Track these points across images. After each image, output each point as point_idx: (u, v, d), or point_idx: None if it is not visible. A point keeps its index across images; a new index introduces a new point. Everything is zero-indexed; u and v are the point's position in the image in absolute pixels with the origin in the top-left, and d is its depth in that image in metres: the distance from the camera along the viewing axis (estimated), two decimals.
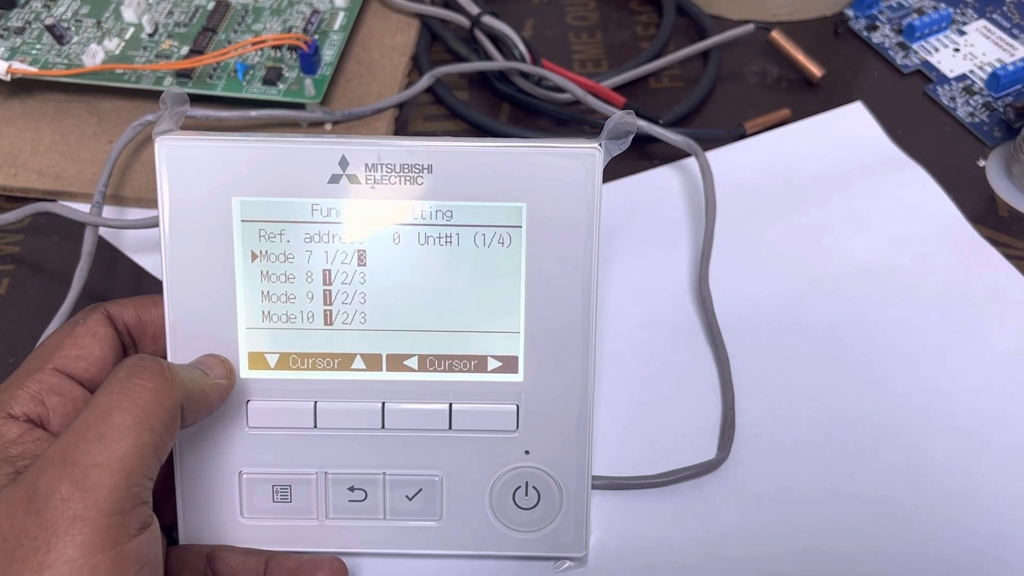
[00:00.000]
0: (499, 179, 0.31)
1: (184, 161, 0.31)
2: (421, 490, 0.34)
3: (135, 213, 0.46)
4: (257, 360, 0.33)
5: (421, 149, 0.31)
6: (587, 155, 0.31)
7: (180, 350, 0.33)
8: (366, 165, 0.31)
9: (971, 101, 0.52)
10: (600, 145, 0.31)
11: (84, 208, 0.45)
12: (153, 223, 0.43)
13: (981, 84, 0.53)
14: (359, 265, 0.32)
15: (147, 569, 0.27)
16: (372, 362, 0.33)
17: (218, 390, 0.32)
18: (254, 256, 0.32)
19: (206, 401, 0.31)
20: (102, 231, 0.45)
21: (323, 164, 0.31)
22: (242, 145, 0.31)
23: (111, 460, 0.27)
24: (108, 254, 0.45)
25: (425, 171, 0.31)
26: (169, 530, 0.34)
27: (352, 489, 0.34)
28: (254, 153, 0.31)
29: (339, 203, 0.32)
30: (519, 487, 0.34)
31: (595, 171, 0.31)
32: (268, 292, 0.32)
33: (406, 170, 0.31)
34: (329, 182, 0.31)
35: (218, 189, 0.32)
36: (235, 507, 0.34)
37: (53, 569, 0.25)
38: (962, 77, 0.53)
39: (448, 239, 0.32)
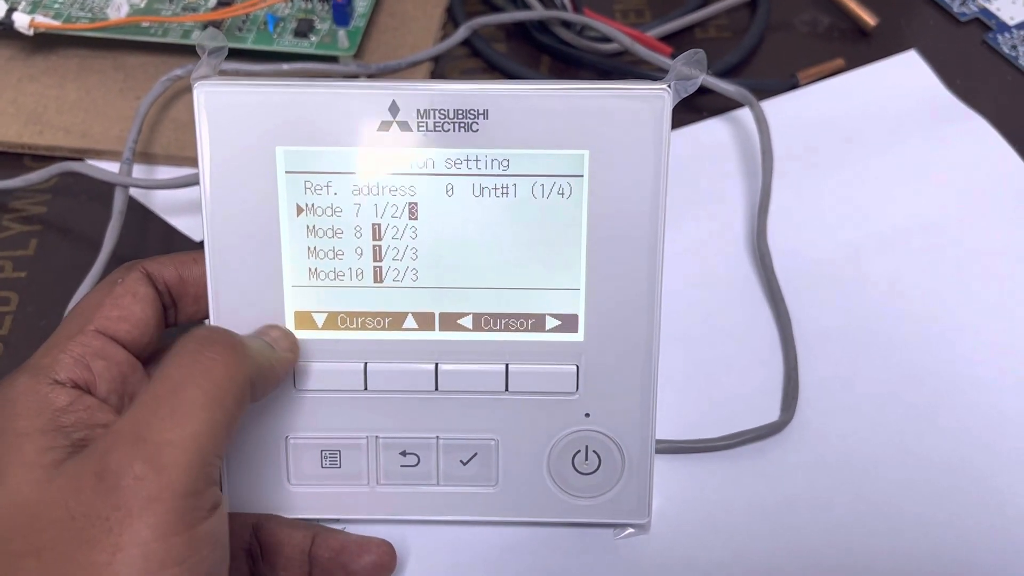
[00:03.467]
0: (560, 125, 0.30)
1: (225, 109, 0.30)
2: (476, 454, 0.32)
3: (165, 171, 0.45)
4: (304, 319, 0.31)
5: (477, 93, 0.29)
6: (655, 97, 0.29)
7: (223, 310, 0.31)
8: (418, 111, 0.30)
9: None
10: (669, 87, 0.29)
11: (113, 167, 0.43)
12: (185, 182, 0.42)
13: None
14: (410, 219, 0.30)
15: (218, 549, 0.26)
16: (424, 321, 0.31)
17: (284, 364, 0.30)
18: (299, 210, 0.30)
19: (274, 376, 0.29)
20: (132, 190, 0.43)
21: (372, 111, 0.30)
22: (286, 91, 0.30)
23: (184, 438, 0.25)
24: (139, 214, 0.43)
25: (480, 117, 0.30)
26: None
27: (404, 454, 0.32)
28: (299, 99, 0.30)
29: (389, 152, 0.30)
30: (579, 451, 0.32)
31: (663, 115, 0.29)
32: (314, 248, 0.31)
33: (460, 116, 0.30)
34: (378, 130, 0.30)
35: (261, 138, 0.30)
36: (282, 473, 0.33)
37: (125, 552, 0.24)
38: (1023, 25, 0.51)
39: (504, 190, 0.30)
